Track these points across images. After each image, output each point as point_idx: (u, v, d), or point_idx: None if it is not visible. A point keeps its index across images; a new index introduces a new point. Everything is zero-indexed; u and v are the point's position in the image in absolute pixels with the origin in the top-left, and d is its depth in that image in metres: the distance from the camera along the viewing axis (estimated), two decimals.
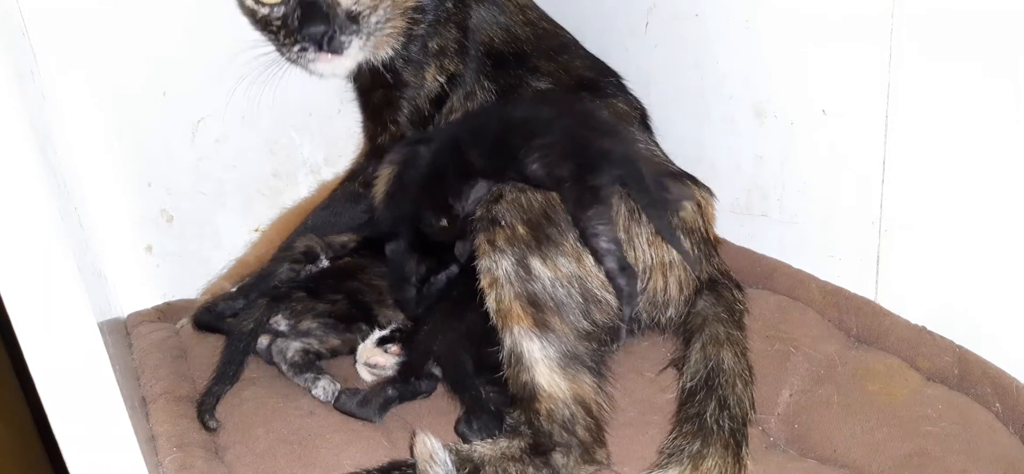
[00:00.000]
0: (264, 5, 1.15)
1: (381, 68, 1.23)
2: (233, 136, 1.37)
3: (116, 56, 1.25)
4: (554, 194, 0.98)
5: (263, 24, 1.18)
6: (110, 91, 1.26)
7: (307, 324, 1.10)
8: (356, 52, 1.17)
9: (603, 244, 0.95)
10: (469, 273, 0.99)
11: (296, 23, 1.12)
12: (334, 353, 1.12)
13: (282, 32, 1.15)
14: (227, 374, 1.05)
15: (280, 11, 1.14)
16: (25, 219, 0.71)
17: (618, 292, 0.96)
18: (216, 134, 1.36)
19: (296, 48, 1.14)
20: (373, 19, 1.15)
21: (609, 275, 0.95)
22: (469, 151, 1.05)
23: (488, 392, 0.97)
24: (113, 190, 1.30)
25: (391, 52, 1.22)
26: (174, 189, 1.36)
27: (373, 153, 1.29)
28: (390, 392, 1.02)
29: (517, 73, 1.24)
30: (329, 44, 1.12)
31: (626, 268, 0.96)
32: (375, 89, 1.27)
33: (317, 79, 1.30)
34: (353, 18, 1.13)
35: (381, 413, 1.01)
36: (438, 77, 1.25)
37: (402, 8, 1.19)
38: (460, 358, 1.00)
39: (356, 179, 1.31)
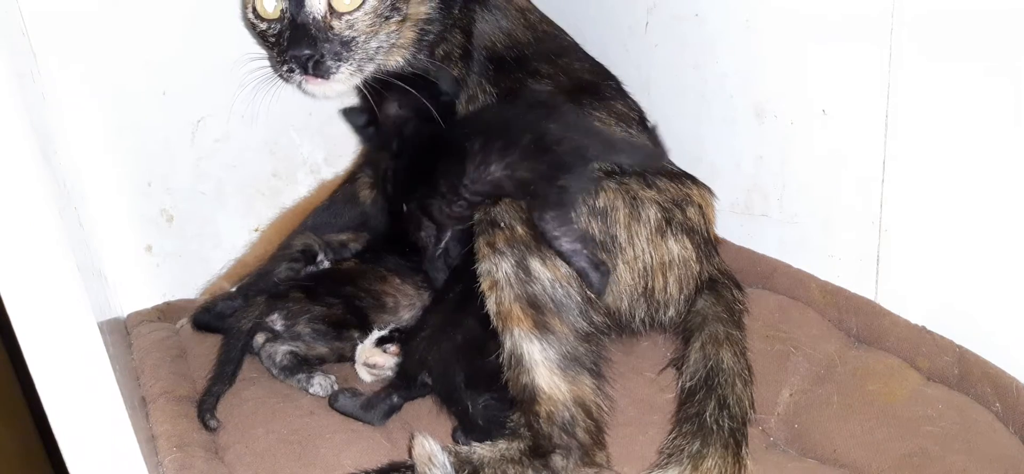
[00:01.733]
0: (262, 21, 1.14)
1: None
2: (233, 136, 1.37)
3: (116, 56, 1.25)
4: None
5: (261, 38, 1.18)
6: (110, 91, 1.26)
7: (300, 328, 1.10)
8: (346, 77, 1.13)
9: (566, 245, 0.95)
10: (468, 277, 0.99)
11: (285, 43, 1.10)
12: (321, 360, 1.11)
13: (276, 50, 1.14)
14: (225, 373, 1.05)
15: (275, 28, 1.12)
16: (25, 219, 0.71)
17: (588, 286, 0.96)
18: (216, 134, 1.36)
19: (284, 68, 1.12)
20: (373, 44, 1.12)
21: (581, 274, 0.95)
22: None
23: (480, 404, 0.97)
24: (113, 190, 1.30)
25: (401, 61, 1.21)
26: (174, 189, 1.35)
27: None
28: (395, 399, 1.02)
29: (517, 77, 1.24)
30: (314, 68, 1.09)
31: (599, 265, 0.96)
32: None
33: None
34: (346, 44, 1.11)
35: (384, 419, 1.01)
36: None
37: (414, 20, 1.18)
38: (451, 372, 0.99)
39: (356, 180, 1.31)
